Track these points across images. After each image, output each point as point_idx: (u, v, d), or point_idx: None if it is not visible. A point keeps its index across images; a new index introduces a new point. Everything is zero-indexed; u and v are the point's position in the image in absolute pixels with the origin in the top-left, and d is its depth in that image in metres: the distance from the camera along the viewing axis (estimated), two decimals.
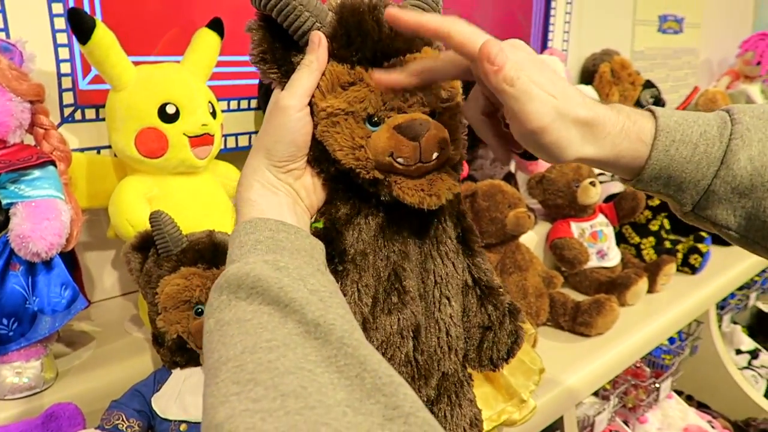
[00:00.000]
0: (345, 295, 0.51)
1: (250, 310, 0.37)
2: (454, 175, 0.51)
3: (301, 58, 0.49)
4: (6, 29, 0.78)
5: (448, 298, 0.55)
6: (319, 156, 0.50)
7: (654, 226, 1.42)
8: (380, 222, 0.53)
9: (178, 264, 0.68)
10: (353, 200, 0.53)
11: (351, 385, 0.33)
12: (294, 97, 0.47)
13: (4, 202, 0.68)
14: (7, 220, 0.68)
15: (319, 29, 0.48)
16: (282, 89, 0.49)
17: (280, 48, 0.50)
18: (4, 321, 0.68)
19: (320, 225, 0.54)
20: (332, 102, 0.48)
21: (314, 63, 0.48)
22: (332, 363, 0.34)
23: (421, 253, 0.55)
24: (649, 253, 1.39)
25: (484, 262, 0.58)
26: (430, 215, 0.54)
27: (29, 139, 0.75)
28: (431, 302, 0.55)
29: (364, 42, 0.48)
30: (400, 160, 0.47)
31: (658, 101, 1.84)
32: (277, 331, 0.35)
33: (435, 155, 0.48)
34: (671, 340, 1.37)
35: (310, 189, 0.52)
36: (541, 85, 0.43)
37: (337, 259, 0.52)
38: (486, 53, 0.42)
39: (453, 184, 0.51)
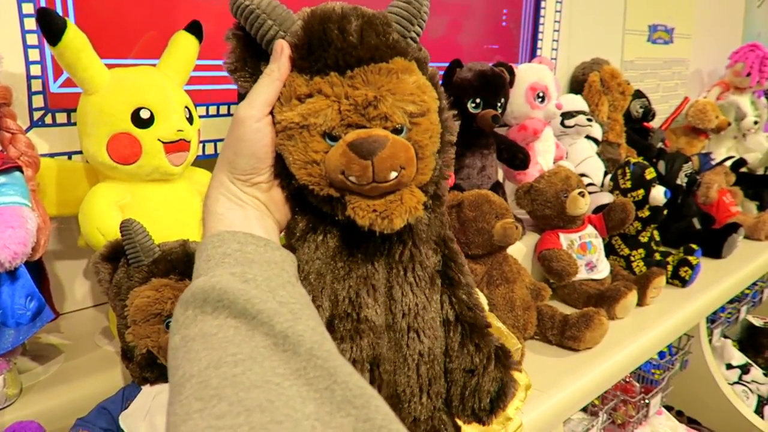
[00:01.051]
0: None
1: (215, 325, 0.36)
2: (417, 197, 0.47)
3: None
4: None
5: (417, 332, 0.51)
6: (279, 170, 0.48)
7: (644, 238, 1.42)
8: (338, 242, 0.50)
9: (149, 275, 0.67)
10: (310, 215, 0.50)
11: (320, 397, 0.32)
12: (252, 107, 0.46)
13: None
14: None
15: (283, 38, 0.47)
16: None
17: (251, 57, 0.49)
18: None
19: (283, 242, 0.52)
20: (287, 115, 0.46)
21: (275, 72, 0.46)
22: (301, 375, 0.33)
23: (389, 279, 0.51)
24: (639, 265, 1.39)
25: (470, 296, 0.54)
26: (397, 239, 0.51)
27: None
28: (399, 335, 0.51)
29: (326, 51, 0.45)
30: (351, 178, 0.44)
31: (648, 111, 1.85)
32: (243, 345, 0.34)
33: (393, 175, 0.44)
34: (661, 354, 1.37)
35: (280, 203, 0.50)
36: None
37: None
38: None
39: (414, 206, 0.46)
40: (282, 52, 0.46)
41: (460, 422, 0.56)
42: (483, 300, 0.97)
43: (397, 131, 0.46)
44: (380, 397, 0.32)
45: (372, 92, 0.45)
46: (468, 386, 0.52)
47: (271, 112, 0.47)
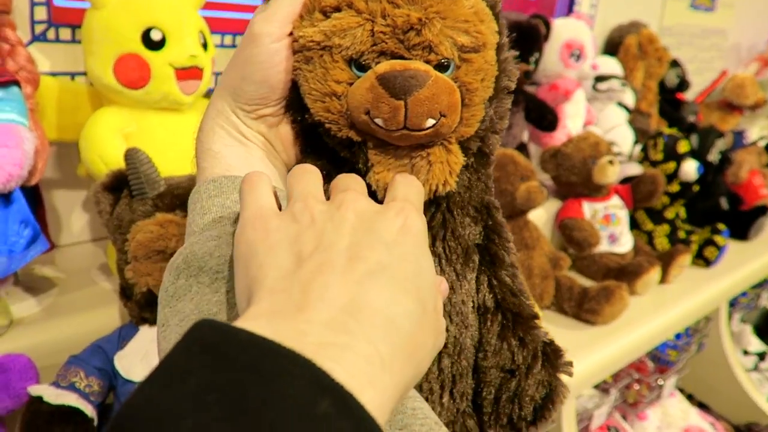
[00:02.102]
0: None
1: (215, 302, 0.31)
2: (454, 159, 0.39)
3: None
4: None
5: (448, 318, 0.42)
6: (292, 99, 0.40)
7: (670, 214, 1.38)
8: None
9: (154, 209, 0.63)
10: (323, 161, 0.41)
11: None
12: (270, 23, 0.38)
13: None
14: None
15: None
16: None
17: None
18: None
19: None
20: (307, 31, 0.37)
21: None
22: None
23: None
24: (661, 242, 1.35)
25: (515, 279, 0.44)
26: (434, 201, 0.42)
27: None
28: None
29: None
30: (378, 121, 0.36)
31: (683, 83, 1.78)
32: None
33: (429, 122, 0.36)
34: (677, 335, 1.34)
35: (288, 141, 0.42)
36: None
37: None
38: None
39: (445, 179, 0.39)
40: None
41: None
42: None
43: (441, 67, 0.37)
44: (418, 397, 0.29)
45: (417, 13, 0.36)
46: (506, 389, 0.43)
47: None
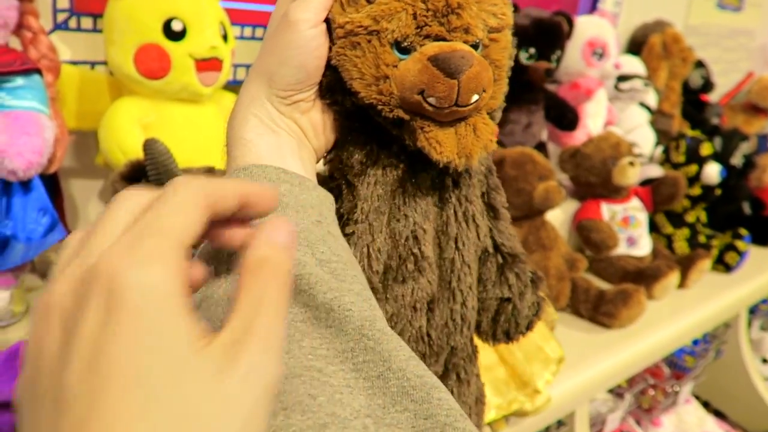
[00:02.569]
0: None
1: (230, 280, 0.32)
2: (490, 127, 0.44)
3: None
4: None
5: (469, 266, 0.50)
6: (333, 84, 0.43)
7: (690, 218, 1.37)
8: (399, 175, 0.46)
9: None
10: (370, 145, 0.45)
11: (372, 387, 0.28)
12: (308, 10, 0.39)
13: None
14: None
15: None
16: None
17: None
18: None
19: (326, 173, 0.47)
20: (354, 17, 0.40)
21: None
22: (348, 359, 0.29)
23: (442, 214, 0.49)
24: (681, 246, 1.34)
25: (508, 225, 0.53)
26: (455, 170, 0.46)
27: (15, 43, 0.69)
28: (448, 271, 0.50)
29: None
30: (431, 100, 0.40)
31: (708, 84, 1.76)
32: None
33: (474, 98, 0.40)
34: (695, 341, 1.33)
35: (319, 127, 0.44)
36: None
37: (345, 218, 0.46)
38: None
39: (489, 140, 0.43)
40: None
41: (479, 342, 0.57)
42: None
43: (473, 47, 0.41)
44: (443, 388, 0.29)
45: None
46: (503, 312, 0.53)
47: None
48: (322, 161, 0.47)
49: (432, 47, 0.39)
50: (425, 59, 0.39)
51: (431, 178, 0.47)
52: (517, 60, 1.29)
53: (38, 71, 0.67)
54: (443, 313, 0.50)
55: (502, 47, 0.43)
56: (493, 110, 0.45)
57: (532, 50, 1.14)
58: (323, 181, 0.45)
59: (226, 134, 0.41)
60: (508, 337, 0.55)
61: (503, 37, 0.43)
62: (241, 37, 0.95)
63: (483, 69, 0.40)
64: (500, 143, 1.17)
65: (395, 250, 0.47)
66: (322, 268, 0.33)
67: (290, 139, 0.41)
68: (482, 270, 0.52)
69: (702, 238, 1.37)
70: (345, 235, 0.45)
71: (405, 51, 0.40)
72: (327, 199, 0.41)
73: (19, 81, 0.65)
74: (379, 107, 0.41)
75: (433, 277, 0.48)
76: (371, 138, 0.45)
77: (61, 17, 0.79)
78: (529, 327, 0.55)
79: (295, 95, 0.41)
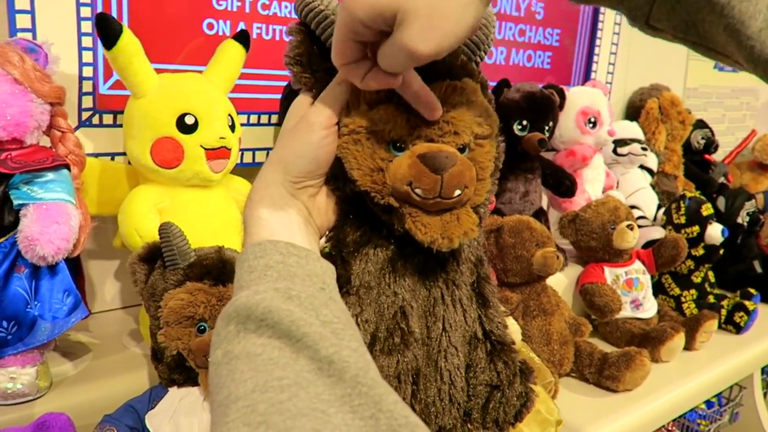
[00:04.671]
0: None
1: (260, 344, 0.38)
2: (473, 218, 0.51)
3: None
4: (33, 30, 0.85)
5: (456, 348, 0.56)
6: (337, 173, 0.51)
7: (697, 278, 1.42)
8: (389, 255, 0.54)
9: (184, 278, 0.73)
10: (364, 228, 0.54)
11: (365, 426, 0.35)
12: (323, 114, 0.50)
13: (15, 202, 0.74)
14: (17, 221, 0.74)
15: None
16: (310, 96, 0.52)
17: (317, 54, 0.52)
18: (4, 324, 0.73)
19: (326, 249, 0.56)
20: (356, 119, 0.50)
21: (347, 81, 0.49)
22: (346, 402, 0.36)
23: (430, 296, 0.55)
24: (689, 307, 1.39)
25: (498, 314, 0.59)
26: (446, 255, 0.55)
27: (45, 141, 0.81)
28: (435, 349, 0.56)
29: None
30: (418, 191, 0.48)
31: (710, 143, 1.85)
32: (288, 369, 0.36)
33: (456, 192, 0.49)
34: (709, 404, 1.37)
35: (322, 209, 0.53)
36: None
37: (339, 290, 0.52)
38: None
39: (470, 228, 0.51)
40: None
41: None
42: (517, 329, 1.01)
43: (460, 150, 0.51)
44: (425, 427, 0.35)
45: (447, 108, 0.50)
46: (492, 400, 0.57)
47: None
48: (324, 238, 0.56)
49: (422, 147, 0.49)
50: (415, 156, 0.48)
51: (419, 261, 0.55)
52: (510, 131, 1.39)
53: (66, 166, 0.79)
54: (429, 390, 0.56)
55: (486, 151, 0.52)
56: (478, 205, 0.53)
57: (525, 122, 1.25)
58: (324, 256, 0.53)
59: (243, 212, 0.51)
60: (498, 426, 0.58)
61: (487, 143, 0.52)
62: (248, 124, 1.07)
63: (466, 168, 0.49)
64: (499, 212, 1.27)
65: (383, 322, 0.54)
66: (324, 328, 0.40)
67: (298, 218, 0.50)
68: (472, 355, 0.58)
69: (711, 299, 1.42)
70: None
71: (399, 149, 0.50)
72: (329, 269, 0.49)
73: (50, 175, 0.76)
74: (373, 194, 0.50)
75: (419, 353, 0.55)
76: (365, 222, 0.54)
77: (85, 115, 0.92)
78: (517, 417, 0.59)
79: (305, 182, 0.51)
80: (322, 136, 0.49)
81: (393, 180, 0.49)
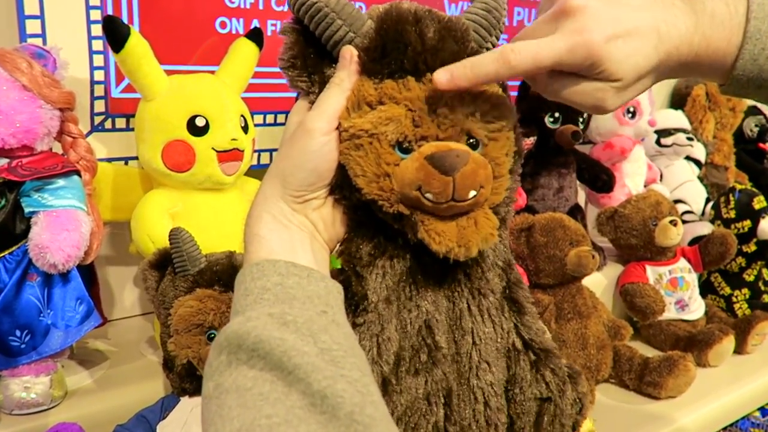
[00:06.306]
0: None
1: (250, 377, 0.37)
2: (492, 221, 0.48)
3: (333, 72, 0.49)
4: (43, 35, 0.87)
5: (488, 363, 0.52)
6: (341, 181, 0.49)
7: (749, 276, 1.37)
8: (407, 266, 0.51)
9: (194, 285, 0.74)
10: (378, 238, 0.51)
11: None
12: (321, 119, 0.47)
13: (26, 210, 0.76)
14: (29, 228, 0.76)
15: (353, 39, 0.48)
16: (308, 101, 0.50)
17: (313, 54, 0.50)
18: (17, 332, 0.75)
19: (338, 264, 0.53)
20: (357, 122, 0.46)
21: (345, 82, 0.47)
22: None
23: (455, 308, 0.52)
24: (742, 308, 1.35)
25: (535, 321, 0.56)
26: (470, 262, 0.52)
27: (56, 147, 0.83)
28: (465, 366, 0.52)
29: (403, 53, 0.46)
30: (428, 195, 0.45)
31: (765, 130, 1.79)
32: (278, 405, 0.35)
33: (471, 194, 0.46)
34: (764, 411, 1.32)
35: (329, 221, 0.50)
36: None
37: (356, 307, 0.51)
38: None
39: (490, 233, 0.47)
40: (351, 59, 0.47)
41: None
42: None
43: (472, 146, 0.48)
44: None
45: (456, 100, 0.47)
46: (545, 414, 0.54)
47: None
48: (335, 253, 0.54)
49: (429, 147, 0.46)
50: (422, 158, 0.45)
51: (441, 270, 0.52)
52: (542, 124, 1.37)
53: (77, 172, 0.80)
54: (464, 412, 0.52)
55: (501, 146, 0.49)
56: (497, 205, 0.50)
57: (557, 114, 1.22)
58: (335, 273, 0.51)
59: (243, 231, 0.48)
60: None
61: (502, 136, 0.49)
62: (263, 124, 1.08)
63: (480, 166, 0.46)
64: (532, 209, 1.24)
65: (407, 340, 0.51)
66: (322, 357, 0.38)
67: (302, 234, 0.48)
68: (515, 370, 0.54)
69: (765, 298, 1.37)
70: (356, 325, 0.50)
71: (406, 151, 0.47)
72: (334, 288, 0.47)
73: (60, 182, 0.78)
74: (381, 202, 0.47)
75: (449, 370, 0.52)
76: (378, 231, 0.50)
77: (98, 120, 0.94)
78: (574, 428, 0.55)
79: (306, 195, 0.48)
80: (321, 143, 0.47)
81: (401, 185, 0.46)
